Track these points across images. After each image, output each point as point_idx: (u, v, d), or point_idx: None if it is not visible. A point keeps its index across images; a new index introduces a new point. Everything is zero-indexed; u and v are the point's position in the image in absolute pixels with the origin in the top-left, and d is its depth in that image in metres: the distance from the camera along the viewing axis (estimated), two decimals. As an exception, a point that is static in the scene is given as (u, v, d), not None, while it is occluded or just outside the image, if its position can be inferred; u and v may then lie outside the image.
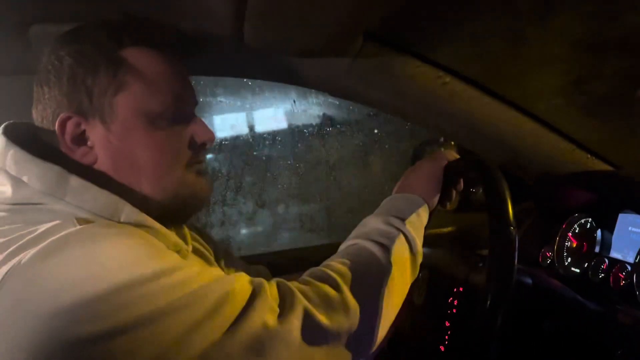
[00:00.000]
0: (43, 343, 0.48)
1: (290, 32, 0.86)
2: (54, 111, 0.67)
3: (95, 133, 0.67)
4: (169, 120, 0.70)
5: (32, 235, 0.56)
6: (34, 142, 0.67)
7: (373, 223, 0.83)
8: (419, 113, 1.08)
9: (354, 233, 0.84)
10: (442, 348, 0.80)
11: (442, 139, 1.23)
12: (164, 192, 0.70)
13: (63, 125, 0.66)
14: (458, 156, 0.95)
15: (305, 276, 0.74)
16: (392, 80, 1.00)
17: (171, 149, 0.71)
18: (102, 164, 0.68)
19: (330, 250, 0.83)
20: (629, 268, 0.96)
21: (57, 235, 0.55)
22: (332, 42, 0.90)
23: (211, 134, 0.75)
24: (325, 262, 0.77)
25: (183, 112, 0.73)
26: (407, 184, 0.90)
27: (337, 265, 0.74)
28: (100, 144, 0.68)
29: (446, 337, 0.80)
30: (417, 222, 0.84)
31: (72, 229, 0.57)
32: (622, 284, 0.96)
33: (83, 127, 0.67)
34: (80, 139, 0.67)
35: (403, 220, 0.82)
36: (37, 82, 0.69)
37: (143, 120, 0.68)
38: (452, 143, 1.19)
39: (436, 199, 0.90)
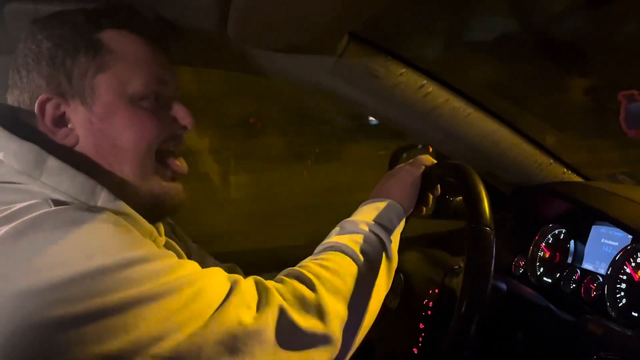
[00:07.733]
0: (11, 323, 0.47)
1: (274, 29, 0.85)
2: (33, 94, 0.66)
3: (76, 114, 0.67)
4: (150, 102, 0.70)
5: (4, 213, 0.54)
6: (12, 122, 0.65)
7: (350, 226, 0.82)
8: (400, 116, 1.08)
9: (330, 235, 0.83)
10: (415, 350, 0.79)
11: (420, 145, 1.24)
12: (144, 174, 0.69)
13: (42, 106, 0.65)
14: (436, 162, 0.95)
15: (281, 275, 0.72)
16: (374, 82, 1.00)
17: (152, 130, 0.70)
18: (83, 146, 0.67)
19: (305, 251, 0.81)
20: (601, 279, 0.96)
21: (31, 215, 0.53)
22: (316, 40, 0.90)
23: (190, 119, 0.75)
24: (302, 263, 0.76)
25: (163, 95, 0.73)
26: (384, 188, 0.90)
27: (313, 267, 0.73)
28: (81, 125, 0.67)
29: (420, 340, 0.79)
30: (393, 227, 0.83)
31: (46, 210, 0.55)
32: (593, 295, 0.97)
33: (63, 108, 0.66)
34: (61, 120, 0.67)
35: (379, 224, 0.82)
36: (14, 67, 0.68)
37: (124, 101, 0.68)
38: (430, 149, 1.19)
39: (413, 204, 0.90)
